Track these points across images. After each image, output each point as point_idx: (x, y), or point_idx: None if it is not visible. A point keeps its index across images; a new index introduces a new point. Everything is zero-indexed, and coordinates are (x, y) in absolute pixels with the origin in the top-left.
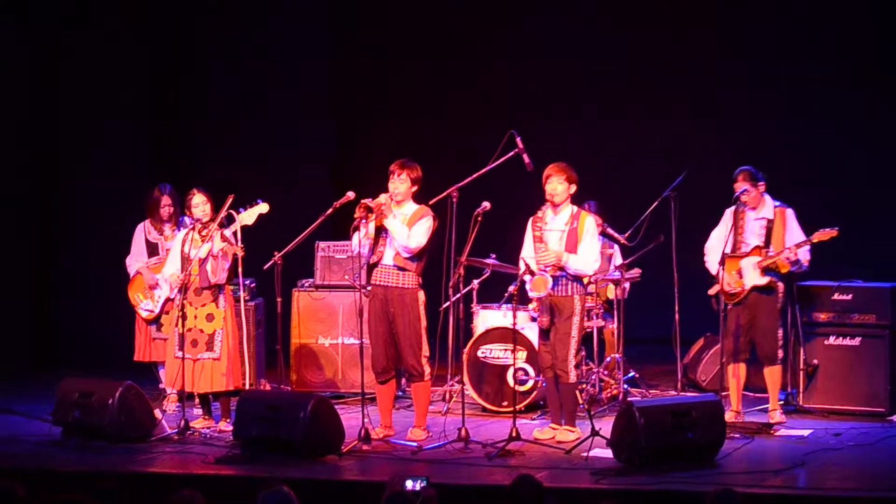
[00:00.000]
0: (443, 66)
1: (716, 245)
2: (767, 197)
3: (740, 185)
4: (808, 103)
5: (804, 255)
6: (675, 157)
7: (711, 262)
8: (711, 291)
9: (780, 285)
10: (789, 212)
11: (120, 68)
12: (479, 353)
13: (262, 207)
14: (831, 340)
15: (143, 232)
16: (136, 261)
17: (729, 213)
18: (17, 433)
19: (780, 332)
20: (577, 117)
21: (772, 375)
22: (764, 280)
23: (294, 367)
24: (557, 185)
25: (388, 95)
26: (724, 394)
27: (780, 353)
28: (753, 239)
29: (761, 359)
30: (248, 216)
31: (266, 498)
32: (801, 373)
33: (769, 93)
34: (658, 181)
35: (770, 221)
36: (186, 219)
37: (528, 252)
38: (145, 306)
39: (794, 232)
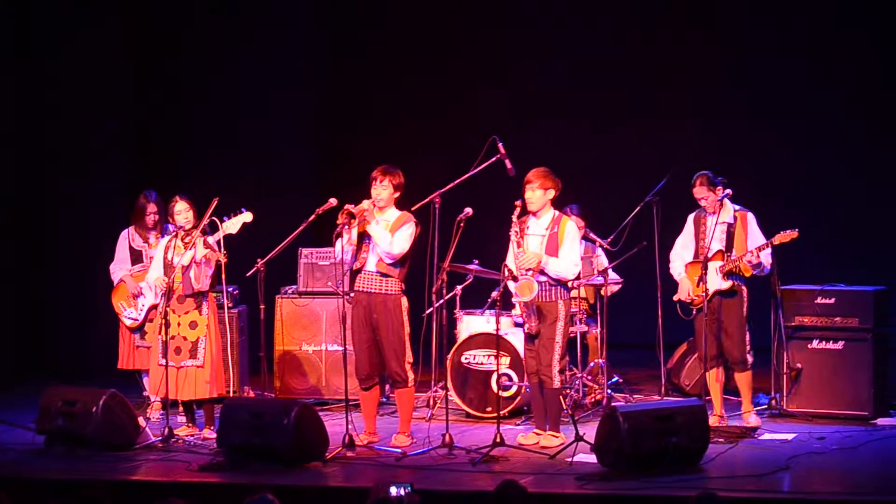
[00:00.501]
0: (426, 71)
1: (680, 251)
2: (728, 201)
3: (699, 191)
4: (790, 108)
5: (766, 258)
6: (659, 161)
7: (675, 268)
8: (675, 298)
9: (745, 289)
10: (750, 216)
11: (106, 69)
12: (463, 359)
13: (246, 217)
14: (815, 344)
15: (127, 239)
16: (119, 268)
17: (691, 219)
18: (0, 441)
19: (748, 337)
20: (561, 121)
21: (742, 380)
22: (727, 284)
23: (277, 374)
24: (532, 192)
25: (371, 101)
26: (707, 398)
27: (750, 359)
28: (716, 244)
29: (731, 365)
30: (232, 225)
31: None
32: (785, 377)
33: (754, 96)
34: (641, 185)
35: (731, 226)
36: (170, 226)
37: (510, 258)
38: (129, 314)
39: (755, 235)
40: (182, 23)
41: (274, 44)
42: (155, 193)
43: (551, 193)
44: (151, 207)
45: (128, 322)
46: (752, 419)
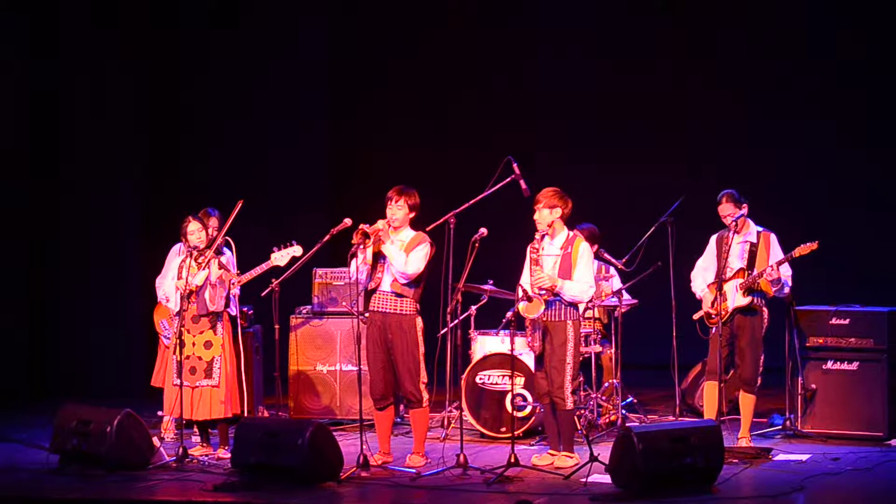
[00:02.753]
0: (441, 92)
1: (701, 271)
2: (751, 221)
3: (724, 208)
4: (805, 129)
5: (786, 271)
6: (673, 182)
7: (696, 286)
8: (695, 316)
9: (765, 310)
10: (773, 236)
11: (117, 81)
12: (478, 379)
13: (296, 250)
14: (829, 365)
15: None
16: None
17: (713, 241)
18: (15, 461)
19: (762, 359)
20: (575, 142)
21: (746, 402)
22: (746, 300)
23: (292, 395)
24: (539, 213)
25: (387, 122)
26: (722, 419)
27: (759, 381)
28: (737, 262)
29: (740, 383)
30: (281, 257)
31: None
32: (800, 397)
33: (767, 120)
34: (657, 206)
35: (754, 245)
36: (180, 245)
37: (525, 278)
38: (169, 334)
39: (777, 255)
40: (208, 43)
41: (293, 65)
42: (216, 210)
43: (558, 213)
44: (213, 223)
45: (167, 341)
46: (744, 444)
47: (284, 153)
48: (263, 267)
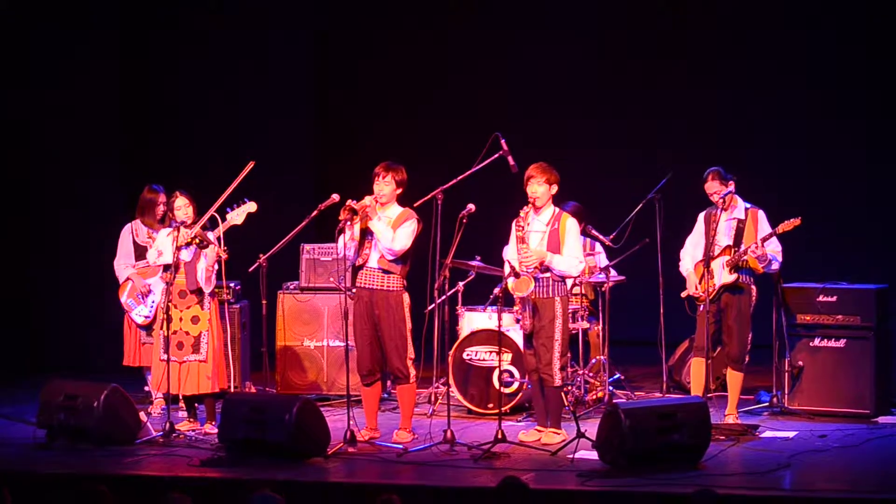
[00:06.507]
0: (428, 67)
1: (690, 249)
2: (738, 198)
3: (711, 186)
4: (793, 106)
5: (774, 250)
6: (660, 158)
7: (684, 265)
8: (684, 294)
9: (753, 288)
10: (761, 212)
11: (93, 66)
12: (465, 356)
13: (251, 206)
14: (816, 342)
15: (130, 233)
16: (123, 264)
17: (701, 218)
18: (1, 436)
19: (750, 337)
20: (563, 117)
21: (733, 379)
22: (732, 277)
23: (279, 370)
24: (538, 186)
25: (374, 97)
26: (709, 395)
27: (746, 359)
28: (724, 239)
29: (727, 361)
30: (237, 216)
31: (258, 500)
32: (787, 374)
33: (755, 95)
34: (645, 183)
35: (741, 222)
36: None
37: (512, 254)
38: (140, 312)
39: (764, 232)
40: (182, 21)
41: (276, 40)
42: (162, 186)
43: (554, 188)
44: (162, 198)
45: (139, 320)
46: (731, 421)
47: (269, 121)
48: (221, 229)
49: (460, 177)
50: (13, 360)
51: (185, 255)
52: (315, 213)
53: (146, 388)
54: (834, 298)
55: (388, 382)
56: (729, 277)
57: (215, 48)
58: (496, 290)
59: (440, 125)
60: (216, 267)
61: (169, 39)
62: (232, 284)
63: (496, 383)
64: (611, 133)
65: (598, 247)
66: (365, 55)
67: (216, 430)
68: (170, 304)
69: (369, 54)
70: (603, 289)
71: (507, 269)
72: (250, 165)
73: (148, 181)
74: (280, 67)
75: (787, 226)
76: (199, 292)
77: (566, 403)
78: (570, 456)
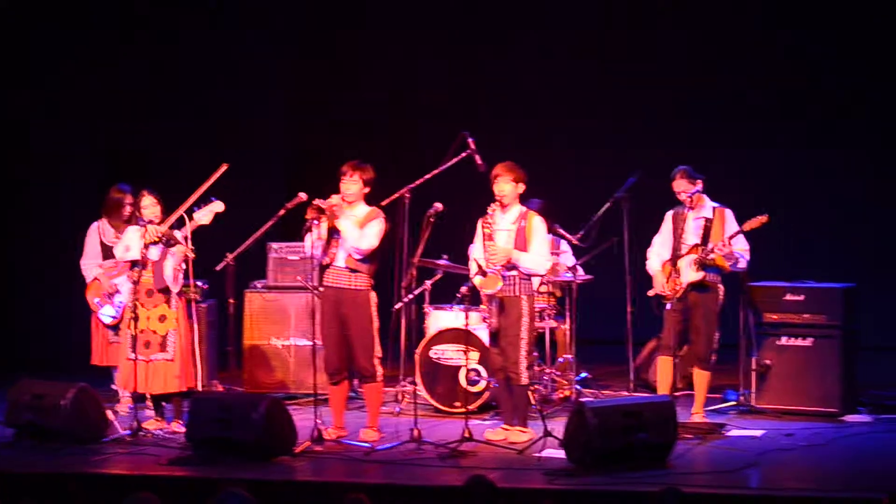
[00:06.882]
0: (397, 68)
1: (657, 248)
2: (706, 197)
3: (679, 184)
4: (760, 108)
5: (741, 248)
6: (629, 158)
7: (650, 264)
8: (650, 293)
9: (720, 287)
10: (728, 211)
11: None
12: (432, 354)
13: (218, 206)
14: (783, 341)
15: (97, 233)
16: (90, 263)
17: (669, 217)
18: None
19: (717, 336)
20: (531, 116)
21: (700, 378)
22: (699, 276)
23: (246, 369)
24: (504, 185)
25: (342, 96)
26: (676, 394)
27: (713, 358)
28: (692, 238)
29: (694, 359)
30: (205, 215)
31: (225, 498)
32: (754, 373)
33: (725, 94)
34: (613, 182)
35: (709, 220)
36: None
37: (478, 252)
38: (107, 312)
39: (731, 230)
40: (154, 13)
41: (246, 40)
42: (129, 186)
43: (521, 187)
44: (129, 199)
45: (107, 320)
46: (697, 420)
47: (238, 121)
48: (189, 228)
49: (427, 175)
50: None
51: (153, 253)
52: (282, 211)
53: (113, 387)
54: (801, 297)
55: (356, 381)
56: (696, 276)
57: (186, 47)
58: (463, 289)
59: (409, 125)
60: (184, 266)
61: (142, 35)
62: (199, 283)
63: (463, 382)
64: (581, 133)
65: (564, 245)
66: (332, 55)
67: (183, 429)
68: (137, 302)
69: (337, 54)
70: (571, 287)
71: (473, 268)
72: (224, 167)
73: (118, 180)
74: (251, 67)
75: (753, 223)
76: (166, 291)
77: (533, 402)
78: (537, 455)
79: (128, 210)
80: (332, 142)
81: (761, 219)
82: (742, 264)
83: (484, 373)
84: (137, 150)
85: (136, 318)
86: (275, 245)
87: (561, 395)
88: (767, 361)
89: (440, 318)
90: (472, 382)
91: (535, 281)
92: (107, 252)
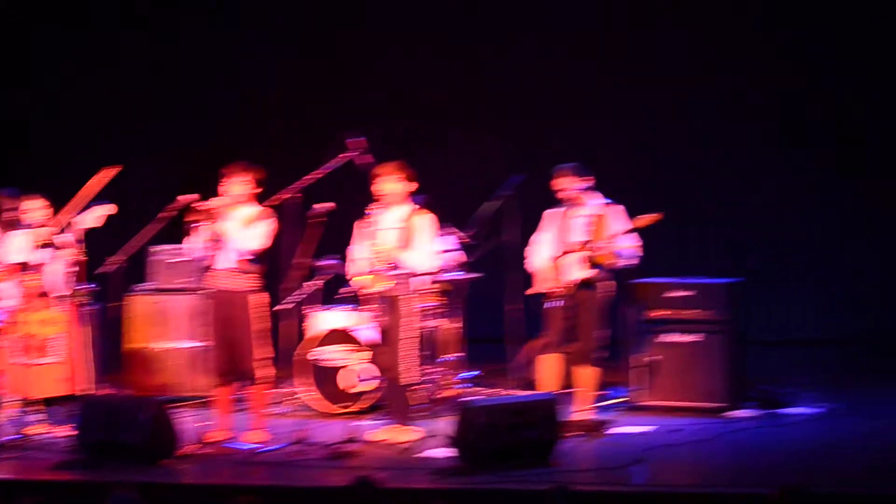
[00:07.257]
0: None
1: (538, 246)
2: (594, 194)
3: (563, 182)
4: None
5: (628, 242)
6: (517, 157)
7: (530, 263)
8: (531, 291)
9: (607, 284)
10: (617, 209)
11: None
12: (314, 355)
13: (107, 208)
14: (668, 337)
15: None
16: None
17: (549, 216)
18: None
19: (601, 333)
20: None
21: (584, 376)
22: (583, 274)
23: (131, 372)
24: (386, 184)
25: (234, 96)
26: (561, 392)
27: (598, 355)
28: (577, 235)
29: (578, 357)
30: (94, 218)
31: (115, 501)
32: (640, 370)
33: (617, 93)
34: (500, 181)
35: (595, 217)
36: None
37: (359, 252)
38: None
39: (620, 227)
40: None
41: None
42: (11, 190)
43: (407, 185)
44: (7, 203)
45: None
46: (583, 418)
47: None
48: (78, 231)
49: (314, 175)
50: None
51: (41, 256)
52: (165, 214)
53: None
54: (685, 293)
55: (242, 383)
56: (580, 273)
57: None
58: (342, 290)
59: (294, 125)
60: (72, 269)
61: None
62: (88, 286)
63: (347, 382)
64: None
65: (452, 243)
66: (232, 54)
67: (71, 433)
68: (24, 306)
69: (235, 53)
70: (458, 286)
71: (352, 268)
72: (116, 170)
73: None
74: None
75: (644, 220)
76: (54, 294)
77: (419, 401)
78: (424, 454)
79: (8, 215)
80: (221, 142)
81: (652, 217)
82: (632, 261)
83: (369, 373)
84: (18, 148)
85: (23, 322)
86: (158, 248)
87: (447, 394)
88: (654, 358)
89: (322, 319)
90: (357, 383)
91: (423, 279)
92: None
